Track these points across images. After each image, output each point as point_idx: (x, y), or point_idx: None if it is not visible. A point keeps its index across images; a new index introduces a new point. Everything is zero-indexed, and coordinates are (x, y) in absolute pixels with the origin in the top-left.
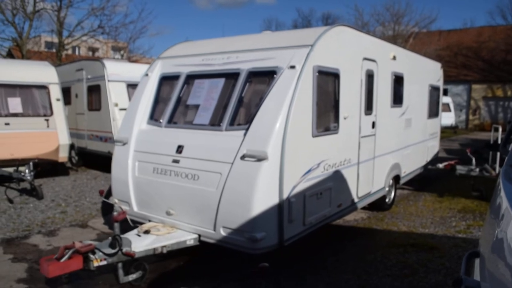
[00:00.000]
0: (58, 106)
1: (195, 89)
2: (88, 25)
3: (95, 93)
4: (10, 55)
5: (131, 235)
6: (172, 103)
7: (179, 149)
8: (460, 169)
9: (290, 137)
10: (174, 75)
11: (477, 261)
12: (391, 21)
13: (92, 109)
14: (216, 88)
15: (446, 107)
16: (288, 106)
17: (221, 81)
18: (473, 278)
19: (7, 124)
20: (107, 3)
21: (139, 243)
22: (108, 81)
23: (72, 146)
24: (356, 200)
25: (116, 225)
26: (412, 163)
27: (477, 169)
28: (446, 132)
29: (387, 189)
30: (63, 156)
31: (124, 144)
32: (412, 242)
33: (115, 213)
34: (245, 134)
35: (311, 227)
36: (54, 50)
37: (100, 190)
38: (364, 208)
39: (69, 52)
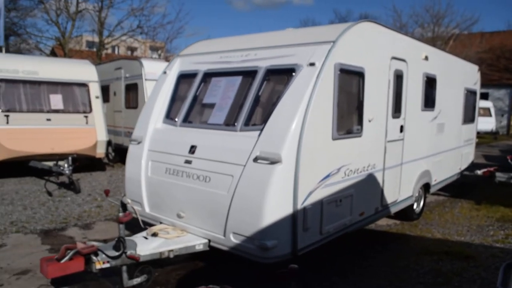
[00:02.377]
0: (97, 104)
1: (212, 88)
2: (128, 25)
3: (133, 91)
4: (53, 53)
5: (138, 237)
6: (188, 101)
7: (192, 149)
8: (500, 176)
9: (307, 139)
10: (192, 73)
11: None
12: (431, 22)
13: (129, 107)
14: (233, 87)
15: (487, 112)
16: (305, 106)
17: (238, 79)
18: None
19: (48, 119)
20: (146, 4)
21: (145, 246)
22: (146, 80)
23: (109, 143)
24: (380, 208)
25: (121, 226)
26: (444, 171)
27: None
28: (486, 137)
29: (415, 197)
30: (100, 152)
31: (139, 143)
32: (446, 250)
33: (120, 214)
34: (259, 135)
35: (329, 236)
36: (94, 49)
37: (106, 190)
38: (390, 217)
39: (109, 51)
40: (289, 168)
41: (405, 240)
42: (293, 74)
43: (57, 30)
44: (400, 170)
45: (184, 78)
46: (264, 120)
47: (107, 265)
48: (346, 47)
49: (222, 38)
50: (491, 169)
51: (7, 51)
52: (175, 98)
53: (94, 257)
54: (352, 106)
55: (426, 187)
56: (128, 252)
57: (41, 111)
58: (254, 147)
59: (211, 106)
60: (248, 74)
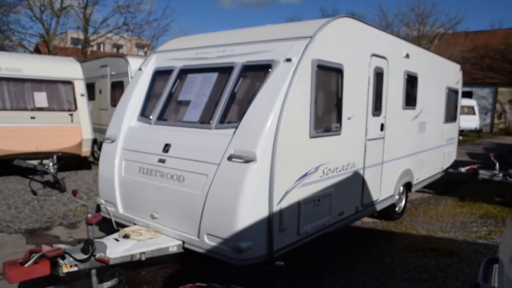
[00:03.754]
0: (82, 101)
1: (187, 84)
2: (113, 22)
3: (119, 89)
4: (37, 50)
5: (109, 239)
6: (163, 99)
7: (166, 147)
8: (483, 173)
9: (283, 137)
10: (167, 70)
11: (495, 267)
12: (416, 21)
13: (115, 105)
14: (208, 83)
15: (471, 110)
16: (281, 102)
17: (214, 76)
18: (491, 285)
19: (32, 117)
20: (132, 1)
21: (115, 249)
22: (131, 77)
23: (95, 141)
24: (361, 208)
25: (90, 228)
26: (426, 170)
27: (501, 174)
28: (470, 135)
29: (397, 197)
30: (85, 150)
31: (113, 141)
32: (431, 247)
33: (89, 215)
34: (234, 133)
35: (307, 237)
36: (79, 47)
37: (74, 190)
38: (372, 215)
39: (94, 48)
40: (264, 167)
41: (391, 237)
42: (270, 70)
43: (41, 27)
44: (380, 169)
45: (160, 74)
46: (240, 117)
47: (75, 268)
48: (324, 42)
49: (199, 34)
50: (475, 166)
51: None
52: (150, 96)
53: (61, 260)
54: (331, 104)
55: (407, 186)
56: (97, 255)
57: (25, 109)
58: (228, 145)
59: (187, 103)
60: (224, 71)
